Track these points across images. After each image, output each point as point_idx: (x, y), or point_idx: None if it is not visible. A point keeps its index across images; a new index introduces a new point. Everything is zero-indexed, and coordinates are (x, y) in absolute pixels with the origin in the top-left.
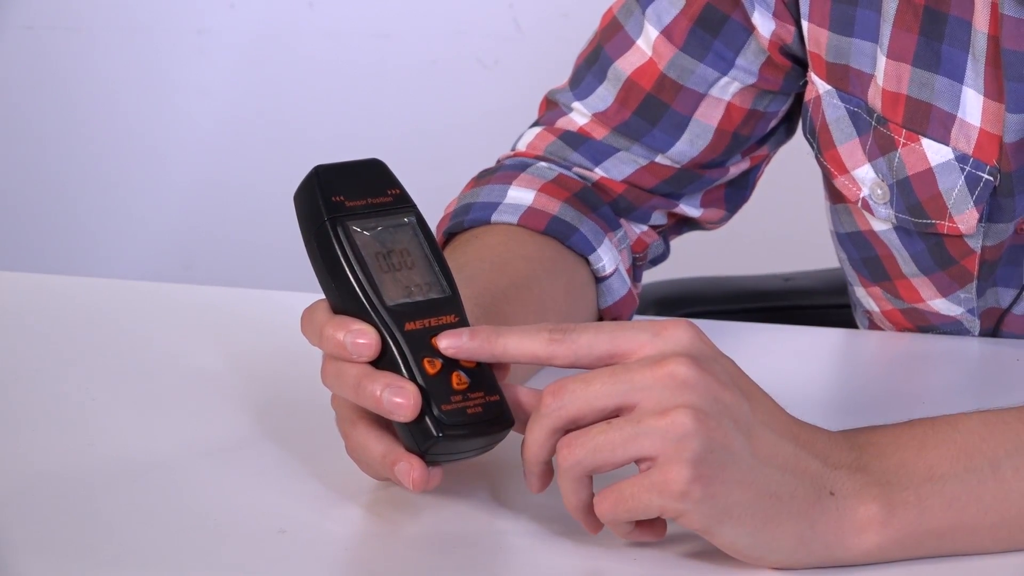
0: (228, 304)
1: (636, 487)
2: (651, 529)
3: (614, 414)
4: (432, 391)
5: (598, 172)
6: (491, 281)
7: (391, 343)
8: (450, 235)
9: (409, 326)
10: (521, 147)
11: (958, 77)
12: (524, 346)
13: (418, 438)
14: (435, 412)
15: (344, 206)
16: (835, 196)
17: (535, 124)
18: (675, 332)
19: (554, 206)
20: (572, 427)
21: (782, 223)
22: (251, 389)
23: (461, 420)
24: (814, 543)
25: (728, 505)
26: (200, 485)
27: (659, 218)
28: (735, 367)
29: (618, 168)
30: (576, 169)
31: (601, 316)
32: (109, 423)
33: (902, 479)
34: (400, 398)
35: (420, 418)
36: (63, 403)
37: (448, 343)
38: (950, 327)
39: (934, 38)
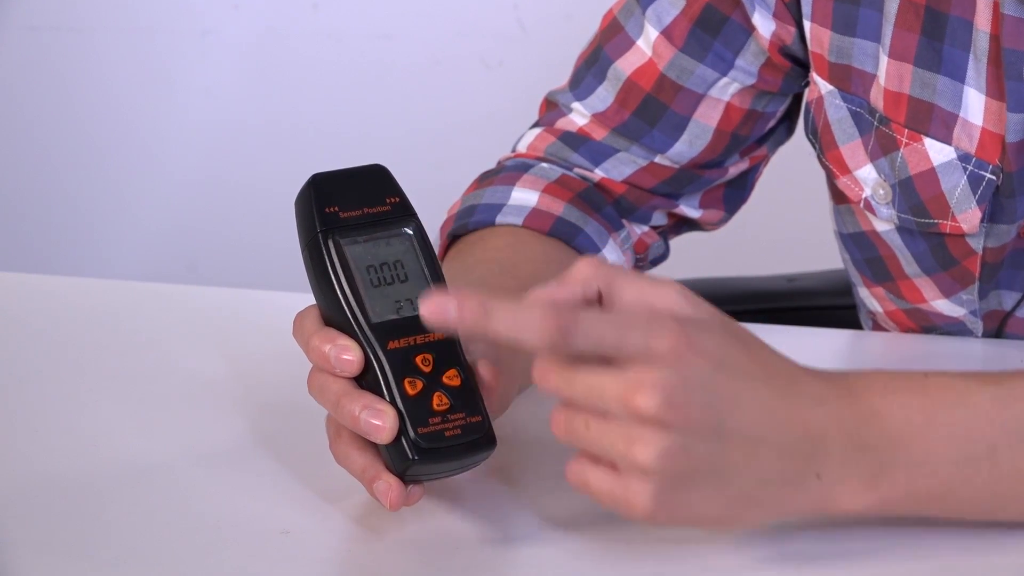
0: (232, 305)
1: (603, 490)
2: None
3: None
4: (410, 413)
5: (598, 173)
6: (502, 284)
7: (373, 361)
8: (454, 237)
9: (392, 344)
10: (521, 148)
11: (959, 77)
12: (521, 336)
13: (395, 459)
14: (411, 434)
15: (338, 217)
16: (838, 197)
17: (535, 125)
18: (664, 354)
19: (558, 207)
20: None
21: (786, 224)
22: (255, 390)
23: (438, 444)
24: (790, 515)
25: (693, 515)
26: (204, 486)
27: (659, 218)
28: (720, 374)
29: (618, 169)
30: (577, 170)
31: None
32: (112, 425)
33: (897, 460)
34: (377, 420)
35: (397, 439)
36: (67, 405)
37: (432, 317)
38: (953, 328)
39: (935, 38)
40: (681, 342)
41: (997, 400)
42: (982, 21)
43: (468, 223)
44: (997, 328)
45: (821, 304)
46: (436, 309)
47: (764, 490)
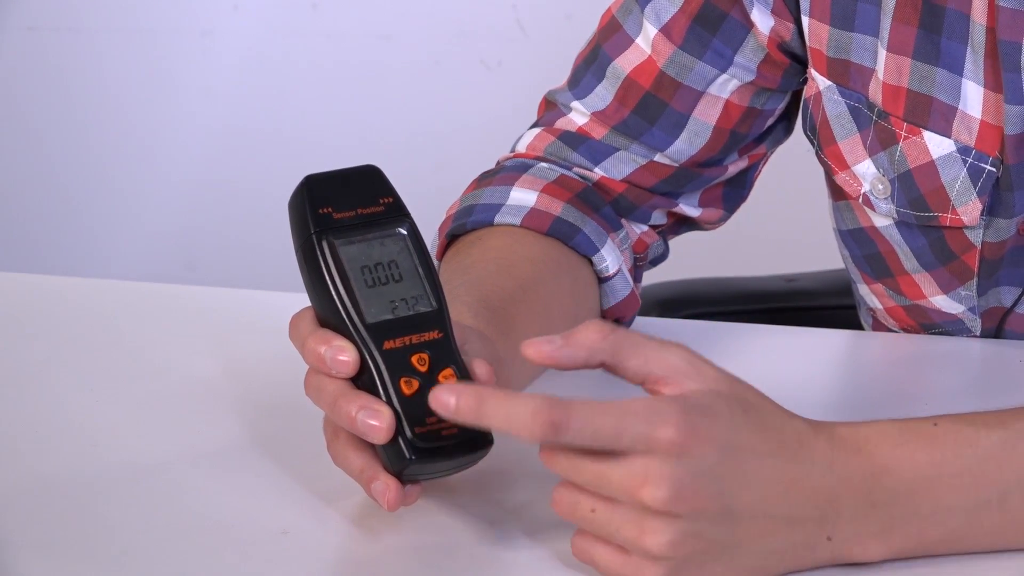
0: (231, 305)
1: (611, 568)
2: None
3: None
4: (406, 413)
5: (598, 172)
6: (498, 284)
7: (369, 362)
8: (452, 237)
9: (388, 344)
10: (520, 148)
11: (957, 70)
12: (513, 432)
13: (392, 459)
14: (408, 434)
15: (331, 218)
16: (837, 193)
17: (534, 125)
18: (668, 445)
19: (557, 207)
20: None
21: (785, 224)
22: (254, 390)
23: (434, 443)
24: (802, 571)
25: None
26: (203, 486)
27: (659, 218)
28: (727, 458)
29: (617, 167)
30: (576, 169)
31: (604, 316)
32: (112, 425)
33: (908, 514)
34: (374, 420)
35: (394, 439)
36: (67, 405)
37: (439, 406)
38: (952, 325)
39: (933, 31)
40: (684, 432)
41: (1006, 445)
42: (978, 13)
43: (466, 223)
44: (996, 326)
45: (820, 304)
46: (436, 404)
47: (775, 558)
